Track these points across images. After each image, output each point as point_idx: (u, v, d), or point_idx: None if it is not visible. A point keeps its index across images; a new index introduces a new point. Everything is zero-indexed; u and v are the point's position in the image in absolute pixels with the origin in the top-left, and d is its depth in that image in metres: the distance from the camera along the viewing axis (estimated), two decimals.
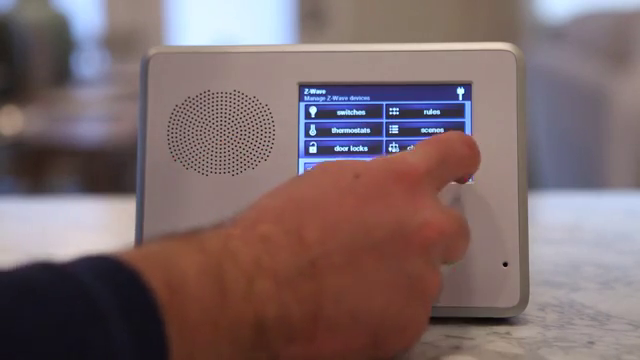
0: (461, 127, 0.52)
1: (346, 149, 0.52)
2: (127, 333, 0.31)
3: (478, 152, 0.46)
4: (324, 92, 0.53)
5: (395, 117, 0.52)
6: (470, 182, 0.51)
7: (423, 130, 0.52)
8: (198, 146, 0.52)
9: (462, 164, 0.45)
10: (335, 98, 0.52)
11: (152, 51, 0.53)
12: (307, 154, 0.52)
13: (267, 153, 0.52)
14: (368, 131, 0.52)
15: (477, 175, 0.51)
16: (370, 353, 0.39)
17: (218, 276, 0.35)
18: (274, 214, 0.39)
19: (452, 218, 0.41)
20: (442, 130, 0.52)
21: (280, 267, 0.36)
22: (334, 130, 0.52)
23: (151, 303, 0.32)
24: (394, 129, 0.52)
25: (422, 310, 0.40)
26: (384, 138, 0.52)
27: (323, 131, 0.52)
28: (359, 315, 0.38)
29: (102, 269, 0.33)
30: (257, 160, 0.52)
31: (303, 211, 0.38)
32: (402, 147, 0.52)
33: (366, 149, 0.52)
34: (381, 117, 0.52)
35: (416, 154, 0.43)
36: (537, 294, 0.56)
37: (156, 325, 0.32)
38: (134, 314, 0.32)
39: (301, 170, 0.52)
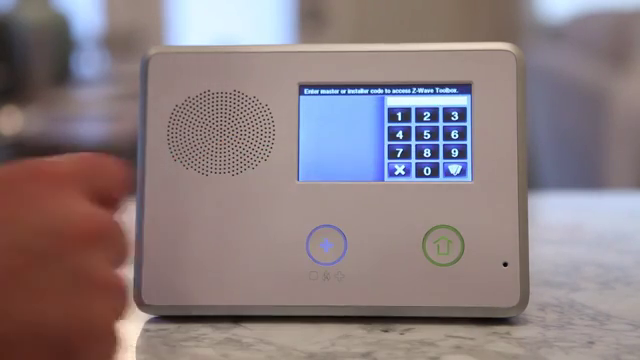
0: (461, 127, 0.52)
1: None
2: None
3: (124, 177, 0.43)
4: (324, 92, 0.53)
5: (395, 117, 0.52)
6: (470, 182, 0.51)
7: (423, 130, 0.52)
8: (198, 146, 0.52)
9: (114, 179, 0.42)
10: (335, 98, 0.52)
11: (152, 51, 0.53)
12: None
13: (267, 153, 0.52)
14: None
15: (477, 175, 0.51)
16: None
17: None
18: None
19: (104, 215, 0.39)
20: (442, 130, 0.52)
21: None
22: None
23: None
24: (394, 128, 0.52)
25: (102, 306, 0.37)
26: (384, 134, 0.52)
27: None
28: (35, 328, 0.35)
29: None
30: (257, 160, 0.52)
31: None
32: (402, 147, 0.52)
33: None
34: (381, 117, 0.52)
35: (60, 158, 0.40)
36: (537, 294, 0.56)
37: None
38: None
39: (302, 170, 0.52)
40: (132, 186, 0.44)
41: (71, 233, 0.36)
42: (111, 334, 0.37)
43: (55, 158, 0.40)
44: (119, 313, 0.38)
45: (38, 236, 0.36)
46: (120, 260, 0.40)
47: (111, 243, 0.39)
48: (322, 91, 0.53)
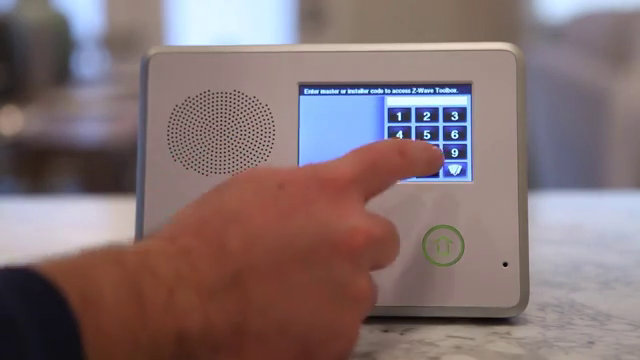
0: (461, 127, 0.52)
1: None
2: (42, 348, 0.31)
3: (413, 160, 0.45)
4: (324, 92, 0.53)
5: (395, 117, 0.52)
6: (470, 182, 0.51)
7: (423, 130, 0.52)
8: (198, 146, 0.52)
9: (394, 172, 0.44)
10: (335, 98, 0.52)
11: (152, 51, 0.53)
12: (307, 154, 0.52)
13: (267, 153, 0.52)
14: None
15: (477, 175, 0.51)
16: None
17: (136, 290, 0.34)
18: (195, 226, 0.38)
19: (379, 223, 0.41)
20: (442, 130, 0.52)
21: (202, 279, 0.36)
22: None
23: (66, 314, 0.32)
24: (394, 128, 0.52)
25: (352, 318, 0.39)
26: (384, 134, 0.52)
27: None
28: (286, 326, 0.37)
29: (17, 281, 0.32)
30: (257, 160, 0.52)
31: (225, 222, 0.38)
32: None
33: None
34: (381, 117, 0.52)
35: (343, 161, 0.42)
36: (537, 294, 0.56)
37: (71, 337, 0.32)
38: (48, 325, 0.31)
39: None
40: (413, 166, 0.45)
41: (344, 247, 0.38)
42: (349, 344, 0.39)
43: (334, 162, 0.41)
44: (361, 322, 0.40)
45: (313, 244, 0.38)
46: (384, 263, 0.42)
47: (378, 252, 0.41)
48: (322, 91, 0.53)
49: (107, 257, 0.35)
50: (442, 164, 0.48)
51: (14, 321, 0.30)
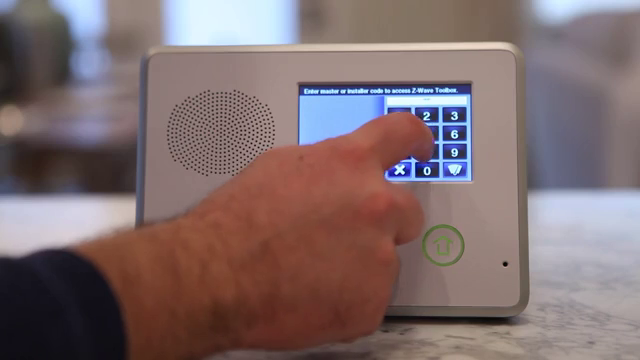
0: (461, 127, 0.52)
1: None
2: (85, 325, 0.32)
3: (423, 129, 0.46)
4: (324, 92, 0.53)
5: None
6: (470, 182, 0.51)
7: None
8: (198, 146, 0.52)
9: (407, 141, 0.45)
10: (335, 98, 0.53)
11: (152, 51, 0.53)
12: None
13: None
14: None
15: (477, 175, 0.51)
16: (335, 331, 0.39)
17: (171, 264, 0.35)
18: (222, 202, 0.39)
19: (401, 192, 0.42)
20: (442, 130, 0.52)
21: (233, 251, 0.37)
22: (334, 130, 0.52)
23: (108, 294, 0.33)
24: None
25: (381, 281, 0.40)
26: None
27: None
28: (317, 291, 0.38)
29: (58, 262, 0.33)
30: None
31: (251, 196, 0.39)
32: None
33: None
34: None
35: (359, 133, 0.43)
36: (537, 294, 0.56)
37: (114, 316, 0.33)
38: (92, 306, 0.32)
39: None
40: (425, 135, 0.47)
41: (366, 211, 0.40)
42: (380, 307, 0.40)
43: (350, 135, 0.43)
44: (391, 288, 0.41)
45: (337, 210, 0.39)
46: (410, 233, 0.43)
47: (401, 219, 0.42)
48: (322, 91, 0.53)
49: (141, 234, 0.37)
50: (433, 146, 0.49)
51: (58, 301, 0.32)
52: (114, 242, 0.36)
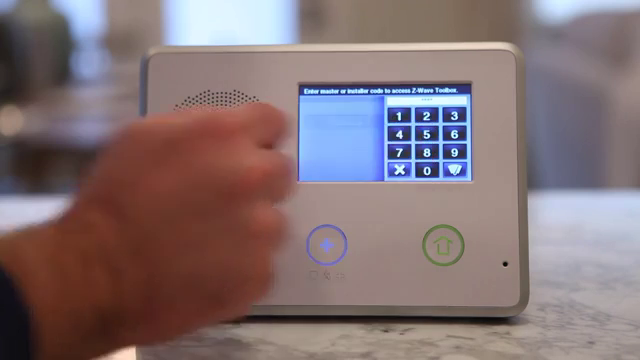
0: (461, 127, 0.52)
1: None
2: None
3: (287, 120, 0.45)
4: (324, 92, 0.53)
5: (395, 117, 0.52)
6: (470, 182, 0.51)
7: (423, 130, 0.52)
8: None
9: (282, 123, 0.44)
10: (335, 98, 0.53)
11: (152, 51, 0.53)
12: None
13: None
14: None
15: (477, 175, 0.51)
16: (220, 313, 0.39)
17: (60, 266, 0.35)
18: (97, 201, 0.38)
19: (270, 158, 0.41)
20: (442, 130, 0.52)
21: (109, 254, 0.36)
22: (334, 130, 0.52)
23: (17, 300, 0.33)
24: (394, 128, 0.52)
25: (260, 256, 0.39)
26: (384, 134, 0.52)
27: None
28: (196, 283, 0.37)
29: None
30: None
31: (123, 191, 0.38)
32: (402, 147, 0.52)
33: None
34: (381, 117, 0.52)
35: (232, 110, 0.43)
36: (537, 294, 0.56)
37: (23, 320, 0.33)
38: (3, 313, 0.33)
39: (301, 170, 0.52)
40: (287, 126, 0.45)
41: (236, 188, 0.38)
42: (265, 275, 0.39)
43: (223, 111, 0.42)
44: (275, 249, 0.40)
45: (212, 199, 0.38)
46: (283, 195, 0.42)
47: (273, 184, 0.40)
48: (322, 91, 0.53)
49: (25, 237, 0.36)
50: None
51: None
52: (5, 242, 0.36)
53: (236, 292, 0.39)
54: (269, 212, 0.40)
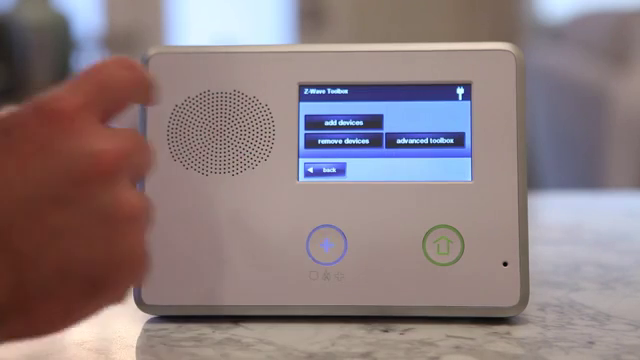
0: (461, 127, 0.52)
1: (347, 144, 0.52)
2: None
3: (142, 73, 0.42)
4: (324, 92, 0.53)
5: (395, 116, 0.52)
6: (470, 182, 0.51)
7: (423, 130, 0.52)
8: (198, 146, 0.52)
9: (125, 87, 0.41)
10: (335, 98, 0.53)
11: (152, 51, 0.53)
12: (307, 154, 0.52)
13: (267, 153, 0.52)
14: (368, 132, 0.52)
15: (477, 175, 0.51)
16: (98, 299, 0.38)
17: None
18: None
19: (122, 136, 0.39)
20: (442, 130, 0.52)
21: None
22: (335, 130, 0.52)
23: None
24: (394, 127, 0.52)
25: (132, 238, 0.38)
26: (384, 131, 0.52)
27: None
28: (65, 270, 0.36)
29: None
30: (257, 160, 0.52)
31: None
32: (401, 145, 0.52)
33: (367, 141, 0.52)
34: (381, 117, 0.52)
35: (67, 90, 0.39)
36: (537, 294, 0.56)
37: None
38: None
39: (302, 170, 0.52)
40: (144, 80, 0.42)
41: (91, 173, 0.37)
42: (139, 258, 0.38)
43: (58, 92, 0.39)
44: (145, 231, 0.39)
45: (62, 182, 0.36)
46: (143, 172, 0.40)
47: (130, 163, 0.39)
48: (322, 91, 0.53)
49: None
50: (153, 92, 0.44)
51: None
52: None
53: (111, 277, 0.37)
54: (132, 194, 0.38)
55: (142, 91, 0.43)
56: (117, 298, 0.39)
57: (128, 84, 0.41)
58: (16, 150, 0.37)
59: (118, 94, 0.41)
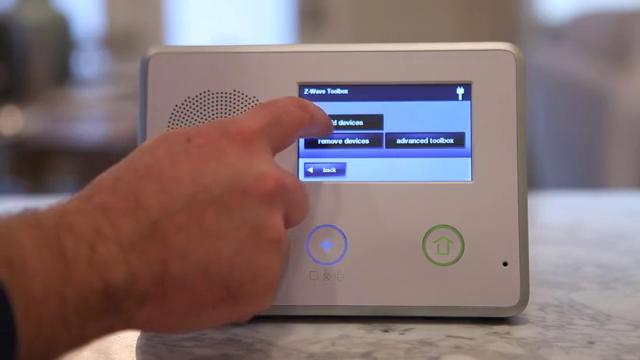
0: (461, 127, 0.52)
1: (347, 144, 0.52)
2: None
3: (311, 112, 0.47)
4: (324, 92, 0.53)
5: (395, 116, 0.52)
6: (470, 182, 0.51)
7: (423, 130, 0.52)
8: None
9: (296, 124, 0.46)
10: (335, 98, 0.53)
11: (152, 51, 0.53)
12: (307, 154, 0.52)
13: None
14: (368, 132, 0.52)
15: (477, 175, 0.51)
16: (227, 309, 0.40)
17: (57, 248, 0.35)
18: (109, 185, 0.39)
19: (288, 175, 0.43)
20: (442, 130, 0.52)
21: (122, 232, 0.37)
22: (334, 130, 0.52)
23: None
24: (394, 127, 0.52)
25: (271, 258, 0.40)
26: (384, 131, 0.52)
27: None
28: (207, 269, 0.38)
29: None
30: None
31: (139, 177, 0.39)
32: (401, 145, 0.52)
33: (367, 141, 0.52)
34: (381, 117, 0.52)
35: (248, 116, 0.44)
36: (537, 294, 0.56)
37: (1, 306, 0.32)
38: None
39: (301, 170, 0.52)
40: (313, 119, 0.48)
41: (255, 191, 0.40)
42: (271, 284, 0.40)
43: (240, 117, 0.44)
44: (282, 266, 0.41)
45: (226, 189, 0.39)
46: (297, 215, 0.44)
47: (288, 200, 0.42)
48: (322, 91, 0.53)
49: (24, 220, 0.36)
50: (332, 130, 0.51)
51: None
52: None
53: (245, 288, 0.39)
54: (282, 223, 0.41)
55: (308, 129, 0.48)
56: (243, 315, 0.41)
57: (299, 121, 0.46)
58: (193, 154, 0.40)
59: (288, 128, 0.45)
